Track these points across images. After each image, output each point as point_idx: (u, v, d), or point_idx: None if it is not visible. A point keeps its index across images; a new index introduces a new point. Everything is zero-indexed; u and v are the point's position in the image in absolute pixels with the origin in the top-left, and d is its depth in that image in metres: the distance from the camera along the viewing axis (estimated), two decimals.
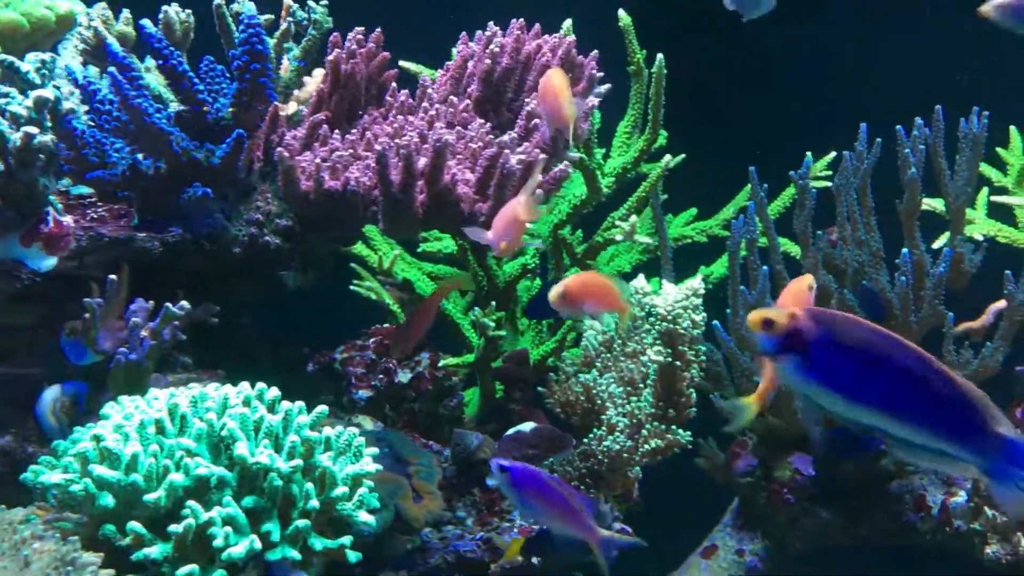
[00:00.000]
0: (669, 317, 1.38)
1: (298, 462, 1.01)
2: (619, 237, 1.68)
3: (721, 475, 2.02)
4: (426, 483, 1.31)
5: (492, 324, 1.68)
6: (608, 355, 1.52)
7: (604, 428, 1.39)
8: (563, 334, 1.91)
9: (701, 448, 2.06)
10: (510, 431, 1.74)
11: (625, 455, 1.36)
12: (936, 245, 1.99)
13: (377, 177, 1.19)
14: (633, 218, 1.67)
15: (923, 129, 1.83)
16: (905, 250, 1.74)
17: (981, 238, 2.04)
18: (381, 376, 1.86)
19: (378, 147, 1.20)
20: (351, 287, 2.01)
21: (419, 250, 2.00)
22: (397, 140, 1.24)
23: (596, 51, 1.69)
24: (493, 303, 1.75)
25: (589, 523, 1.16)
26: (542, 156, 1.28)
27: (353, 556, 1.06)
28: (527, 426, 1.71)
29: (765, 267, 1.76)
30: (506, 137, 1.29)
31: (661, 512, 2.22)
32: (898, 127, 1.80)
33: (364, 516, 1.06)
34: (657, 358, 1.36)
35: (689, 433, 1.40)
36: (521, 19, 1.65)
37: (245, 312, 1.81)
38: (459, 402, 1.93)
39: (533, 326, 2.06)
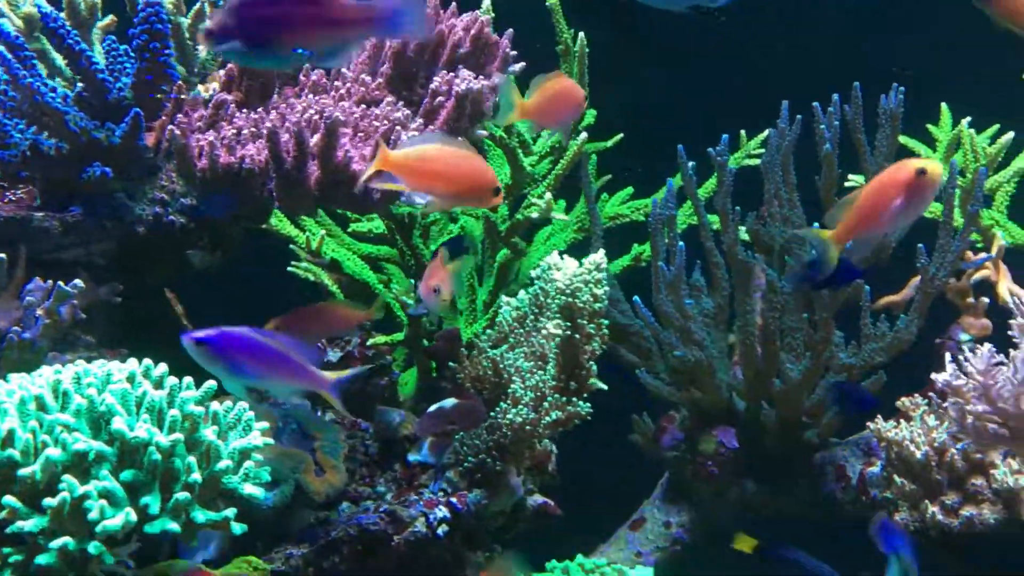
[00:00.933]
0: (567, 291, 1.40)
1: (179, 436, 1.02)
2: (534, 215, 1.69)
3: (652, 450, 2.05)
4: (330, 457, 1.33)
5: (411, 302, 1.69)
6: (521, 330, 1.54)
7: (509, 401, 1.41)
8: (494, 312, 1.93)
9: (636, 424, 2.09)
10: (432, 407, 1.76)
11: (528, 427, 1.38)
12: None
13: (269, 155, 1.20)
14: (548, 196, 1.69)
15: (856, 103, 1.85)
16: (816, 224, 1.77)
17: None
18: None
19: (268, 124, 1.21)
20: (288, 268, 2.02)
21: (350, 230, 2.01)
22: (289, 117, 1.25)
23: (511, 30, 1.70)
24: (412, 281, 1.76)
25: (313, 372, 1.10)
26: (437, 132, 1.29)
27: (238, 528, 1.07)
28: (448, 402, 1.73)
29: (681, 243, 1.79)
30: (399, 113, 1.30)
31: (599, 487, 2.26)
32: (815, 103, 1.82)
33: (250, 488, 1.08)
34: (556, 332, 1.38)
35: (588, 405, 1.42)
36: None
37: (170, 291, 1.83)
38: (391, 381, 1.94)
39: (468, 305, 2.07)
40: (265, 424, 1.13)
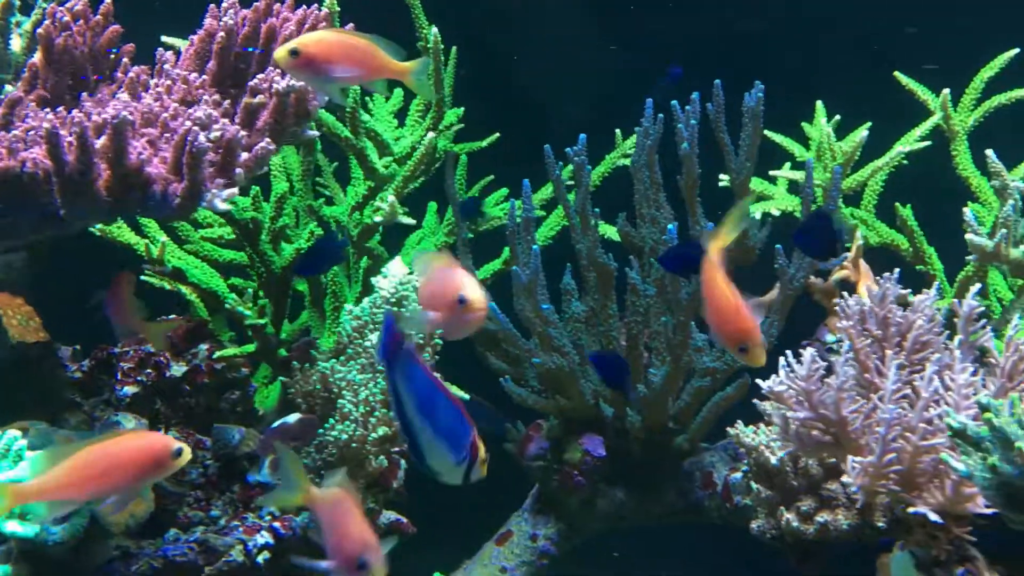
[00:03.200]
0: (393, 300, 1.33)
1: None
2: (378, 218, 1.61)
3: (522, 460, 1.99)
4: None
5: (249, 313, 1.60)
6: (360, 341, 1.46)
7: (337, 416, 1.33)
8: None
9: (509, 432, 2.03)
10: (275, 423, 1.67)
11: (355, 444, 1.30)
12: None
13: (50, 157, 1.10)
14: (391, 198, 1.61)
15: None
16: (670, 226, 1.73)
17: (778, 213, 2.05)
18: (149, 371, 1.77)
19: (46, 125, 1.10)
20: (142, 276, 1.91)
21: (199, 236, 1.90)
22: (75, 117, 1.15)
23: (352, 25, 1.62)
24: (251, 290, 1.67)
25: None
26: (241, 133, 1.20)
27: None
28: (292, 417, 1.64)
29: (535, 246, 1.73)
30: (201, 112, 1.21)
31: (474, 500, 2.19)
32: (673, 102, 1.79)
33: (12, 526, 0.97)
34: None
35: None
36: None
37: None
38: (244, 395, 1.84)
39: (332, 313, 1.98)
40: (38, 454, 1.03)
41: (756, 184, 2.12)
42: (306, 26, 1.53)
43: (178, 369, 1.78)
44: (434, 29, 1.82)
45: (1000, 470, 0.92)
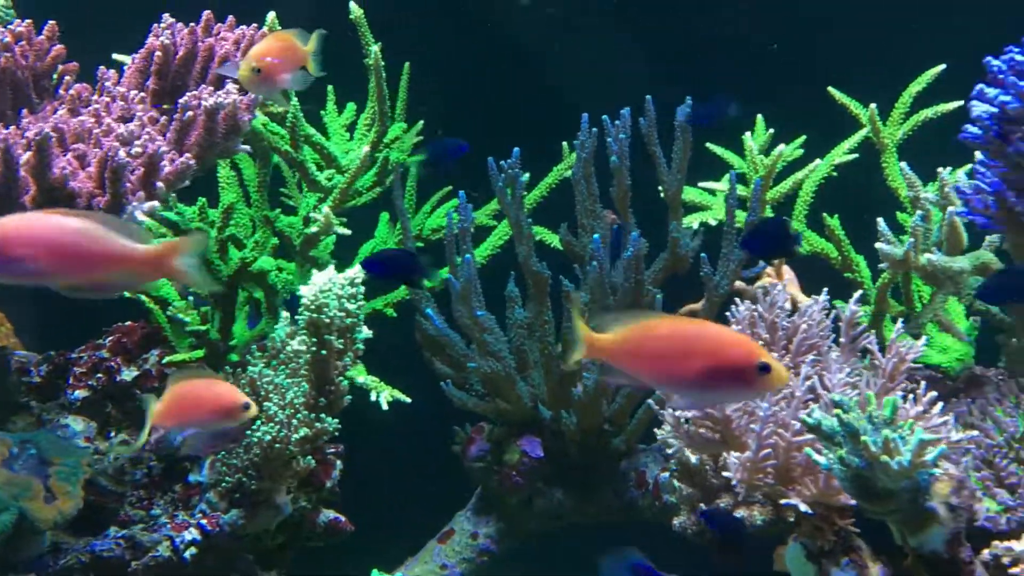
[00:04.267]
0: (312, 307, 1.40)
1: None
2: (314, 229, 1.68)
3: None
4: (65, 483, 1.29)
5: (190, 319, 1.67)
6: (290, 347, 1.52)
7: (263, 418, 1.40)
8: None
9: (457, 435, 2.10)
10: None
11: (278, 445, 1.37)
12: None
13: None
14: (325, 209, 1.68)
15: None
16: (596, 236, 1.80)
17: (715, 223, 2.12)
18: (100, 376, 1.84)
19: None
20: None
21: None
22: (2, 134, 1.22)
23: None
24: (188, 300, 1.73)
25: None
26: (163, 148, 1.27)
27: None
28: None
29: (468, 255, 1.80)
30: (123, 129, 1.28)
31: (426, 499, 2.25)
32: (603, 116, 1.86)
33: None
34: (300, 348, 1.37)
35: (336, 421, 1.42)
36: (208, 11, 1.64)
37: None
38: None
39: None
40: None
41: (695, 195, 2.20)
42: (243, 45, 1.60)
43: (129, 374, 1.85)
44: (375, 48, 1.90)
45: (848, 462, 0.99)
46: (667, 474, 1.89)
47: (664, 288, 1.87)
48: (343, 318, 1.38)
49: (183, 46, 1.54)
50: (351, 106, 2.12)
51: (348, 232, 1.73)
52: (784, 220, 1.79)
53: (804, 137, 2.18)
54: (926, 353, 2.02)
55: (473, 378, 1.99)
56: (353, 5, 1.98)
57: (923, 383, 1.22)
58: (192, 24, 1.56)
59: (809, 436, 1.11)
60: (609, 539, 2.11)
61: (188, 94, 1.42)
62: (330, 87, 2.14)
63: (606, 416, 1.93)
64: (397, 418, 1.90)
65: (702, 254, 1.83)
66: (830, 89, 2.11)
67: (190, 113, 1.40)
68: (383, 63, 1.91)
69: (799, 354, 1.25)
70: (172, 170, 1.27)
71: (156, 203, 1.25)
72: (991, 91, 0.72)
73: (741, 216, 1.92)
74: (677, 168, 1.92)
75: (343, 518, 1.73)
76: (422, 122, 2.23)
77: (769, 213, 2.11)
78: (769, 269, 1.86)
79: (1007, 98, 0.71)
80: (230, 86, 1.52)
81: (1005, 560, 1.13)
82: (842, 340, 1.25)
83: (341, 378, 1.40)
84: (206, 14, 1.63)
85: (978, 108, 0.74)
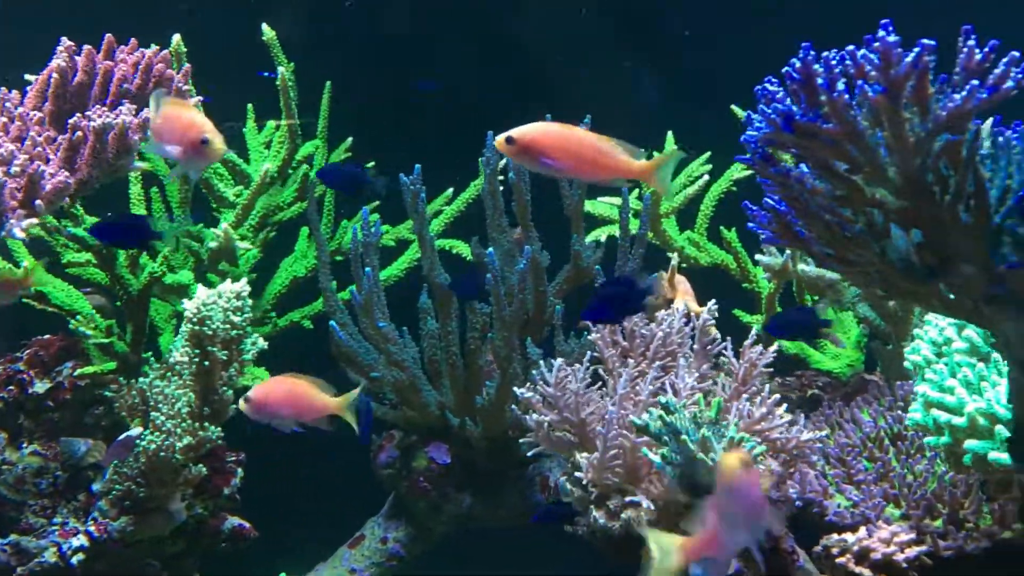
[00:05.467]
0: (194, 319, 1.45)
1: None
2: (213, 245, 1.74)
3: None
4: None
5: (91, 332, 1.71)
6: (182, 359, 1.57)
7: (151, 428, 1.45)
8: None
9: (373, 443, 2.15)
10: (121, 436, 1.78)
11: (162, 454, 1.42)
12: (589, 239, 2.12)
13: None
14: (224, 226, 1.74)
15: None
16: (490, 249, 1.87)
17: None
18: (11, 388, 1.88)
19: None
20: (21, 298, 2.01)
21: (63, 261, 2.01)
22: None
23: (188, 65, 1.76)
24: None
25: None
26: (43, 168, 1.33)
27: None
28: (136, 430, 1.76)
29: (367, 268, 1.86)
30: (2, 149, 1.33)
31: (332, 509, 2.30)
32: (490, 132, 1.92)
33: None
34: (182, 359, 1.43)
35: (219, 430, 1.47)
36: (110, 35, 1.70)
37: None
38: (110, 410, 1.95)
39: None
40: None
41: (604, 209, 2.28)
42: (141, 67, 1.66)
43: (41, 386, 1.89)
44: (280, 69, 1.96)
45: (669, 459, 1.06)
46: (564, 478, 1.96)
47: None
48: (228, 330, 1.44)
49: (82, 69, 1.59)
50: (271, 124, 2.18)
51: (251, 247, 1.78)
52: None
53: (708, 153, 2.27)
54: (820, 360, 2.12)
55: (386, 387, 2.05)
56: (265, 27, 2.05)
57: (767, 387, 1.29)
58: (85, 47, 1.61)
59: (647, 437, 1.18)
60: (516, 542, 2.18)
61: (77, 115, 1.47)
62: (249, 105, 2.21)
63: (510, 423, 1.99)
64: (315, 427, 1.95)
65: (596, 267, 1.91)
66: (733, 108, 2.19)
67: (79, 133, 1.45)
68: (291, 83, 1.97)
69: (655, 359, 1.32)
70: (51, 189, 1.32)
71: (35, 220, 1.30)
72: (756, 117, 0.79)
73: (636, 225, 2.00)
74: (577, 184, 1.99)
75: (248, 524, 1.77)
76: (351, 138, 2.31)
77: (673, 228, 2.20)
78: (663, 280, 1.93)
79: (760, 124, 0.78)
80: (124, 107, 1.57)
81: (834, 551, 1.20)
82: (695, 347, 1.32)
83: (225, 388, 1.45)
84: (108, 38, 1.68)
85: (748, 133, 0.81)
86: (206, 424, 1.43)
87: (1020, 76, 0.75)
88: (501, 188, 1.95)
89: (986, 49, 0.76)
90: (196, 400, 1.42)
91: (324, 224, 2.14)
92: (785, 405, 1.29)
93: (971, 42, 0.75)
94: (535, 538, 2.13)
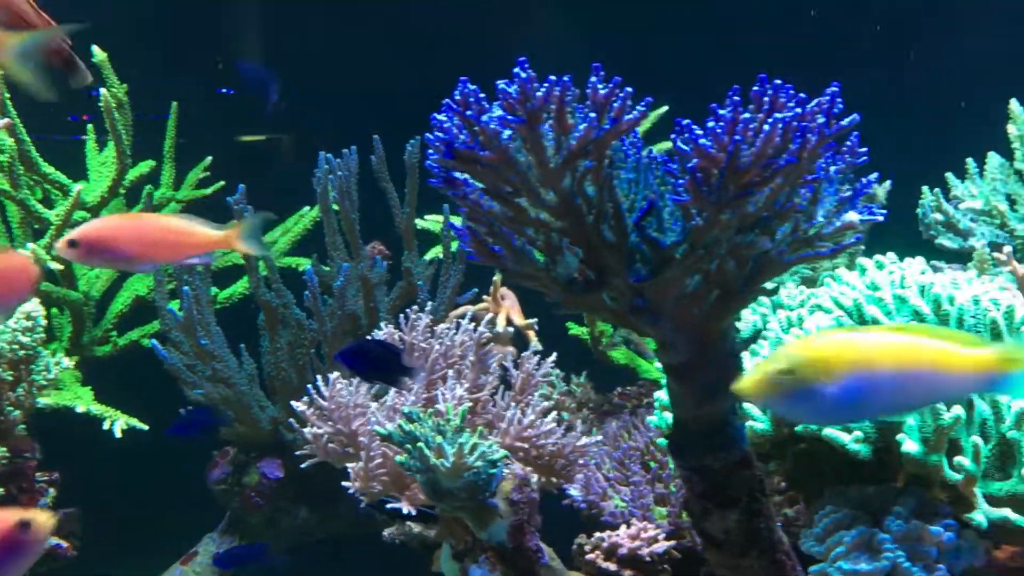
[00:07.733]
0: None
1: None
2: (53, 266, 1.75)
3: None
4: None
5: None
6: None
7: None
8: None
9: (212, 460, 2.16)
10: None
11: None
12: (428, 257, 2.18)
13: None
14: (31, 246, 1.75)
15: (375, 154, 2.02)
16: (308, 266, 1.92)
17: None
18: None
19: None
20: None
21: None
22: None
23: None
24: None
25: None
26: None
27: None
28: None
29: (185, 288, 1.89)
30: None
31: (168, 527, 2.30)
32: (321, 153, 1.97)
33: None
34: None
35: (3, 450, 1.49)
36: None
37: None
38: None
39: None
40: None
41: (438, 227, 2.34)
42: None
43: None
44: (103, 90, 1.98)
45: (408, 465, 1.12)
46: None
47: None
48: (16, 350, 1.45)
49: None
50: (112, 144, 2.19)
51: (59, 267, 1.80)
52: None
53: None
54: (647, 368, 2.21)
55: (218, 404, 2.07)
56: (96, 49, 2.06)
57: (536, 395, 1.37)
58: None
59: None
60: (351, 552, 2.22)
61: None
62: (89, 125, 2.21)
63: None
64: (153, 445, 1.96)
65: (420, 283, 1.97)
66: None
67: None
68: (116, 104, 1.99)
69: (433, 372, 1.38)
70: None
71: None
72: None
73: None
74: (407, 202, 2.06)
75: (64, 544, 1.77)
76: (209, 158, 2.33)
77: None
78: (489, 296, 2.00)
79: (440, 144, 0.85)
80: None
81: (586, 547, 1.28)
82: (471, 359, 1.39)
83: (12, 408, 1.46)
84: None
85: (431, 158, 0.88)
86: None
87: (643, 107, 0.84)
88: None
89: (611, 84, 0.85)
90: None
91: None
92: (555, 413, 1.37)
93: (594, 79, 0.84)
94: (368, 549, 2.18)
